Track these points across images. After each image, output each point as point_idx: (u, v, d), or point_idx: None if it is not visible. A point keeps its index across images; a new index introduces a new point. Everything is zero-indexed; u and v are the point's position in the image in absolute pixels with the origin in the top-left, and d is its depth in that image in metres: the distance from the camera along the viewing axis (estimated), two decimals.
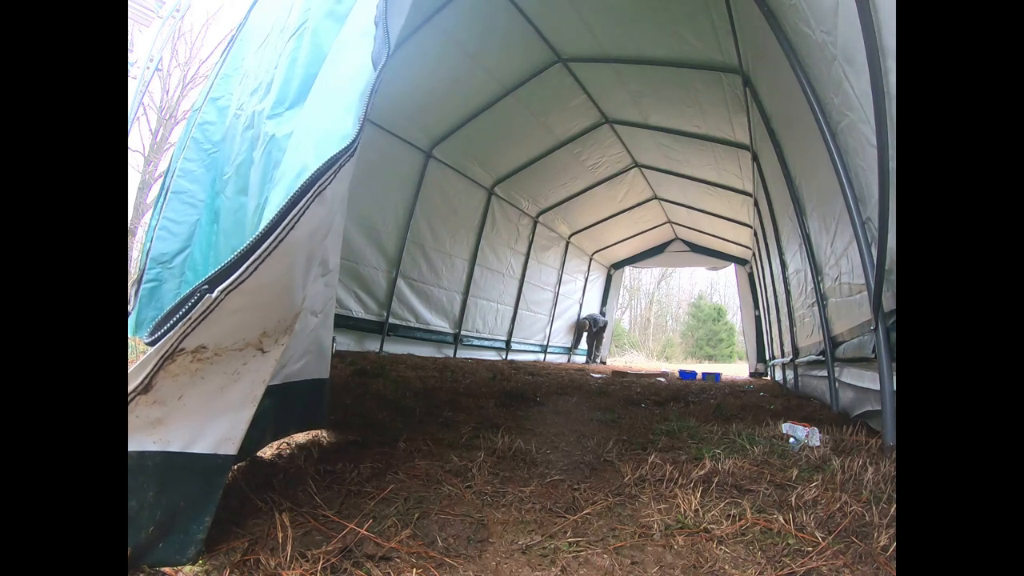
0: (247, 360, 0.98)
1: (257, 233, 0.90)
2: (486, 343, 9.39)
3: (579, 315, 12.71)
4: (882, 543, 1.11)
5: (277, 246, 0.91)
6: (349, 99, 1.10)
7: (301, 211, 0.94)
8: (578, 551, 1.06)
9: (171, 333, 0.85)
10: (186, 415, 0.93)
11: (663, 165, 8.16)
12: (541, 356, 11.34)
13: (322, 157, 0.99)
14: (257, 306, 0.96)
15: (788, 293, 5.78)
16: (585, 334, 12.69)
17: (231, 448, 0.99)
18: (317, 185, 0.96)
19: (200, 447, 0.95)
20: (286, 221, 0.92)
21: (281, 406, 1.46)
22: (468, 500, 1.33)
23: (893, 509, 1.27)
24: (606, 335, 13.74)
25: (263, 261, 0.89)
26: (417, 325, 7.74)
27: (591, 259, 12.63)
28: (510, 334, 10.05)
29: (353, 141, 1.02)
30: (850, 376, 3.21)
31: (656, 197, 9.93)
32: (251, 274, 0.88)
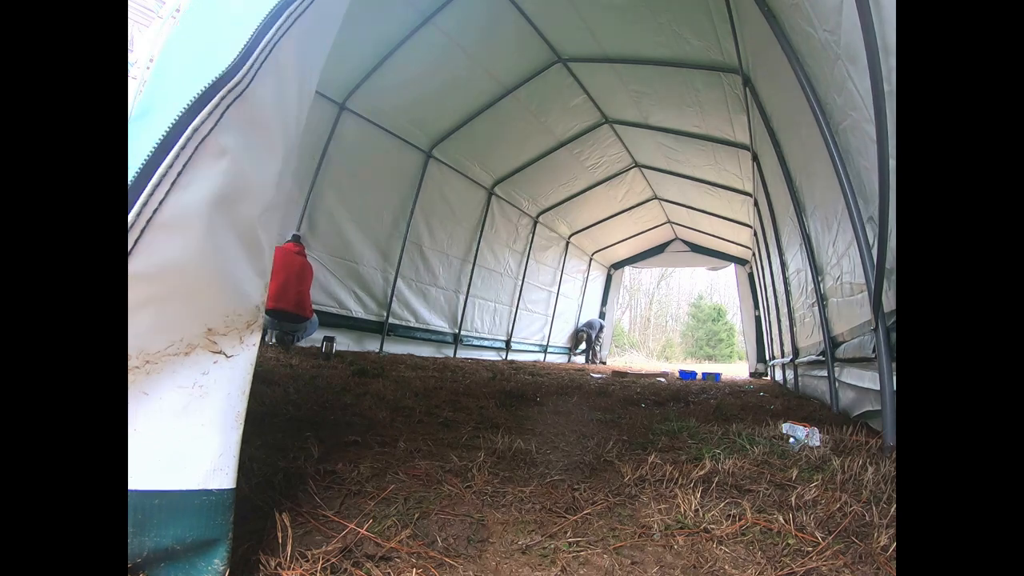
0: (207, 369, 0.82)
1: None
2: (486, 343, 9.40)
3: (577, 318, 12.73)
4: (882, 543, 1.11)
5: (153, 216, 0.73)
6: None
7: (177, 170, 0.74)
8: (578, 551, 1.06)
9: None
10: (141, 443, 0.76)
11: (663, 165, 8.17)
12: (541, 356, 11.35)
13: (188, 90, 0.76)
14: (172, 296, 0.79)
15: (788, 293, 5.78)
16: (583, 341, 12.77)
17: (224, 480, 0.80)
18: (191, 132, 0.75)
19: (179, 483, 0.77)
20: (152, 182, 0.73)
21: None
22: (468, 500, 1.33)
23: (893, 509, 1.27)
24: (605, 335, 13.76)
25: (141, 236, 0.72)
26: (417, 325, 7.75)
27: (591, 259, 12.64)
28: (510, 334, 10.06)
29: (236, 64, 0.80)
30: (850, 376, 3.22)
31: (656, 197, 9.94)
32: (129, 256, 0.72)
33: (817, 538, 1.14)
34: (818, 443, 2.17)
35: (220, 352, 0.83)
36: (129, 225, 0.71)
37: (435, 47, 5.46)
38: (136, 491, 0.75)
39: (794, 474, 1.64)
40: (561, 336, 12.22)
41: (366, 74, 5.72)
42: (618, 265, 13.81)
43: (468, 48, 5.66)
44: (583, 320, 12.86)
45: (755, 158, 5.86)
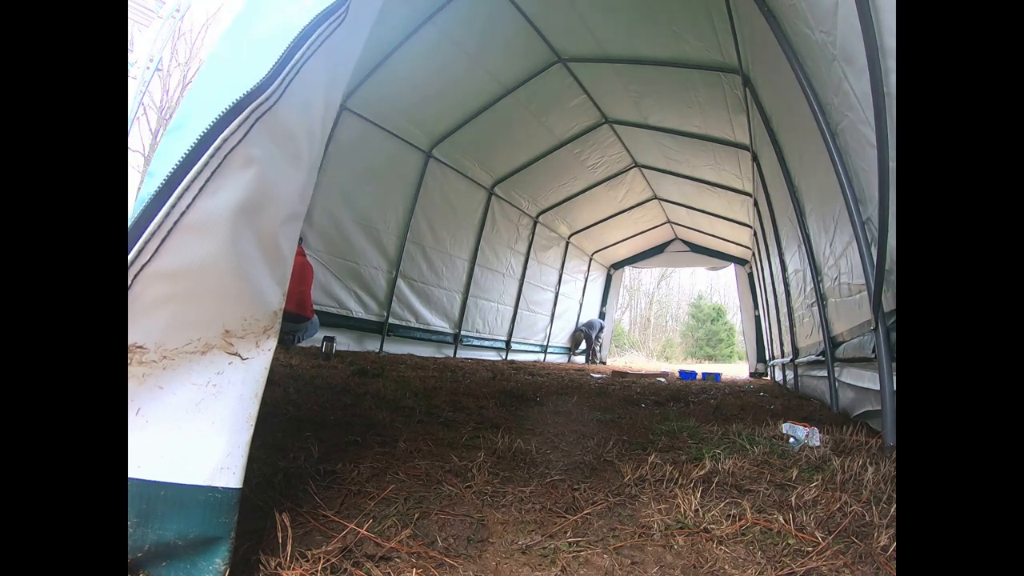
0: (222, 369, 0.84)
1: (144, 203, 0.76)
2: (486, 343, 9.40)
3: (578, 318, 12.73)
4: (882, 543, 1.11)
5: (181, 218, 0.77)
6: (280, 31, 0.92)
7: (205, 177, 0.78)
8: (578, 551, 1.06)
9: None
10: (152, 435, 0.78)
11: (663, 165, 8.17)
12: (541, 356, 11.35)
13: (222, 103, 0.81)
14: (193, 296, 0.82)
15: (788, 293, 5.79)
16: (583, 340, 12.78)
17: (231, 479, 0.81)
18: (220, 142, 0.79)
19: (185, 477, 0.78)
20: (182, 186, 0.76)
21: None
22: (468, 500, 1.33)
23: (893, 509, 1.27)
24: (605, 335, 13.76)
25: (168, 236, 0.76)
26: (417, 325, 7.75)
27: (591, 259, 12.64)
28: (510, 334, 10.06)
29: (266, 80, 0.83)
30: (850, 376, 3.22)
31: (656, 197, 9.94)
32: (155, 254, 0.75)
33: (817, 538, 1.14)
34: (818, 443, 2.17)
35: (236, 354, 0.85)
36: (158, 225, 0.75)
37: (435, 47, 5.47)
38: (143, 480, 0.77)
39: (794, 474, 1.64)
40: (561, 336, 12.22)
41: (366, 74, 5.72)
42: (618, 265, 13.81)
43: (468, 48, 5.66)
44: (583, 320, 12.86)
45: (755, 158, 5.86)
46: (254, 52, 0.90)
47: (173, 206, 0.76)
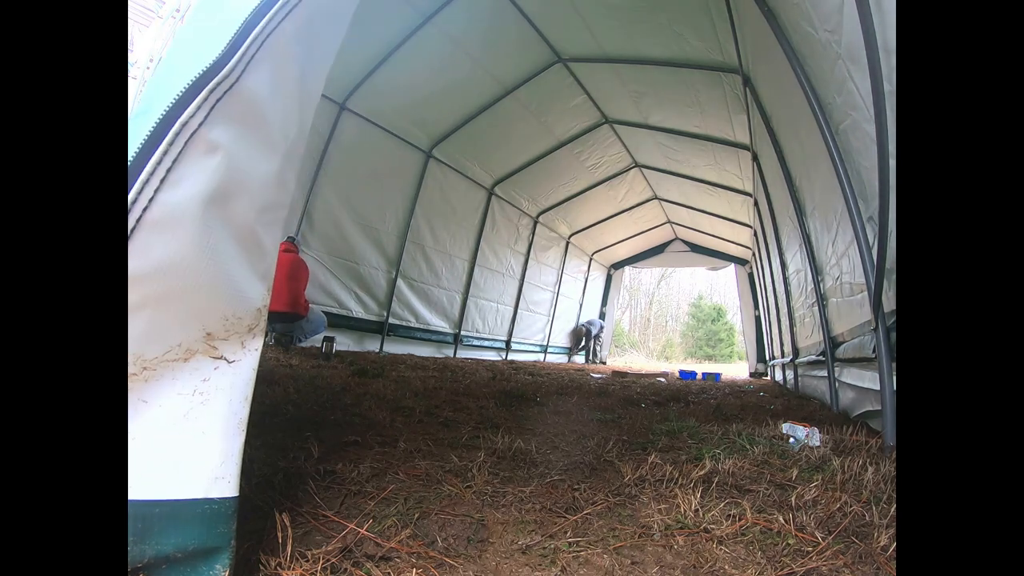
0: (207, 375, 0.79)
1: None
2: (486, 343, 9.40)
3: (578, 318, 12.74)
4: (882, 543, 1.11)
5: (143, 215, 0.71)
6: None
7: (166, 167, 0.72)
8: (578, 551, 1.06)
9: None
10: (141, 452, 0.73)
11: (663, 165, 8.17)
12: (541, 356, 11.35)
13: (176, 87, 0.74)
14: (167, 299, 0.76)
15: (788, 293, 5.78)
16: (584, 338, 12.79)
17: (226, 488, 0.78)
18: (179, 127, 0.72)
19: (180, 492, 0.75)
20: (140, 179, 0.70)
21: None
22: (468, 500, 1.33)
23: (893, 509, 1.27)
24: (606, 335, 13.77)
25: (131, 236, 0.70)
26: (417, 325, 7.75)
27: (591, 259, 12.64)
28: (510, 334, 10.06)
29: (225, 55, 0.78)
30: (850, 376, 3.21)
31: (656, 197, 9.94)
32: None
33: (817, 538, 1.14)
34: (818, 443, 2.17)
35: (221, 357, 0.81)
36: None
37: (435, 47, 5.47)
38: (137, 501, 0.73)
39: (794, 474, 1.64)
40: (561, 336, 12.23)
41: (366, 74, 5.72)
42: (618, 265, 13.81)
43: (468, 48, 5.66)
44: (583, 320, 12.88)
45: (755, 158, 5.86)
46: (218, 29, 0.83)
47: (133, 202, 0.69)
